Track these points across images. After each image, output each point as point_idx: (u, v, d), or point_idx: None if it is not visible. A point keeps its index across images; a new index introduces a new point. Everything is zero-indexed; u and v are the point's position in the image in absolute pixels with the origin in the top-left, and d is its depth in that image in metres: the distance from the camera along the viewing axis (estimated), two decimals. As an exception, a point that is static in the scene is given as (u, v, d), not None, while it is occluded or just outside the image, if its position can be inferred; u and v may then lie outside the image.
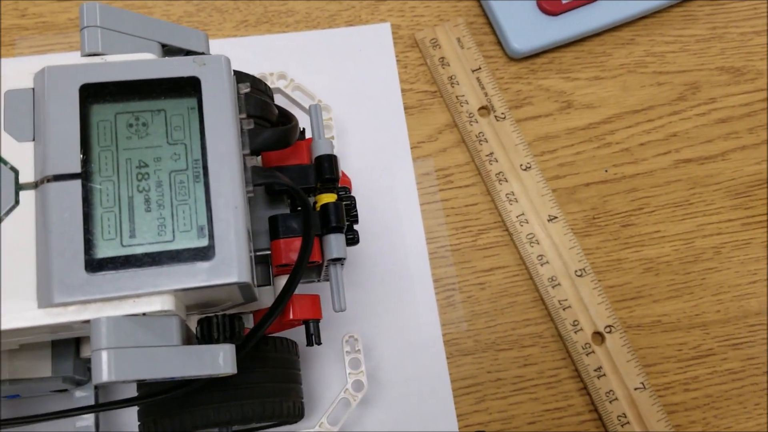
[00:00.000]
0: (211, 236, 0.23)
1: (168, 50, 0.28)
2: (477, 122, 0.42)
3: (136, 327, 0.22)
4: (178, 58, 0.26)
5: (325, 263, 0.29)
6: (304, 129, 0.32)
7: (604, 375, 0.37)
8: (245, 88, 0.27)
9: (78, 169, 0.23)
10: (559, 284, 0.39)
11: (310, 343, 0.29)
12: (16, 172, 0.24)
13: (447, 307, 0.38)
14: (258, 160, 0.30)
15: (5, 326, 0.22)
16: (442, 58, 0.43)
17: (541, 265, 0.39)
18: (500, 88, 0.43)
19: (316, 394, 0.36)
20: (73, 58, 0.26)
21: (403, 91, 0.43)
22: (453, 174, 0.41)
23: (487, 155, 0.41)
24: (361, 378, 0.34)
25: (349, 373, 0.34)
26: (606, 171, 0.42)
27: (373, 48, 0.43)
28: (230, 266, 0.23)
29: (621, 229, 0.41)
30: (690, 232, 0.41)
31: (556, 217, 0.40)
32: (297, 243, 0.28)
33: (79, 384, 0.32)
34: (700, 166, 0.42)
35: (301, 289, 0.29)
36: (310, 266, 0.29)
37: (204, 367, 0.23)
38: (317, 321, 0.29)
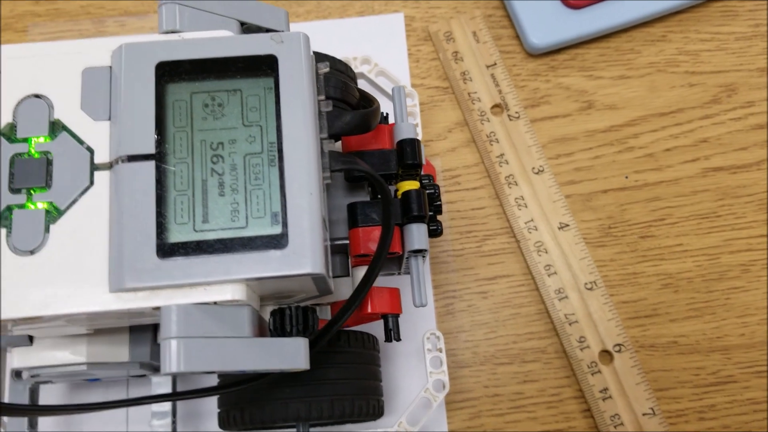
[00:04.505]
0: (285, 224, 0.22)
1: (247, 28, 0.26)
2: (489, 121, 0.39)
3: (206, 316, 0.22)
4: (255, 36, 0.24)
5: (406, 255, 0.27)
6: (387, 114, 0.30)
7: (610, 397, 0.34)
8: (324, 68, 0.25)
9: (152, 150, 0.22)
10: (566, 297, 0.36)
11: (388, 339, 0.28)
12: (91, 151, 0.23)
13: (445, 316, 0.36)
14: (338, 146, 0.29)
15: (75, 310, 0.22)
16: (456, 52, 0.41)
17: (549, 275, 0.36)
18: (516, 85, 0.40)
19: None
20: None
21: (413, 86, 0.41)
22: (461, 175, 0.39)
23: (497, 156, 0.39)
24: (442, 378, 0.32)
25: (430, 372, 0.32)
26: (626, 177, 0.39)
27: (385, 40, 0.41)
28: (303, 256, 0.22)
29: (639, 241, 0.38)
30: (716, 246, 0.38)
31: (567, 225, 0.37)
32: (376, 232, 0.26)
33: (157, 370, 0.31)
34: (732, 176, 0.39)
35: (381, 282, 0.27)
36: (390, 257, 0.27)
37: (275, 361, 0.22)
38: (396, 316, 0.28)
